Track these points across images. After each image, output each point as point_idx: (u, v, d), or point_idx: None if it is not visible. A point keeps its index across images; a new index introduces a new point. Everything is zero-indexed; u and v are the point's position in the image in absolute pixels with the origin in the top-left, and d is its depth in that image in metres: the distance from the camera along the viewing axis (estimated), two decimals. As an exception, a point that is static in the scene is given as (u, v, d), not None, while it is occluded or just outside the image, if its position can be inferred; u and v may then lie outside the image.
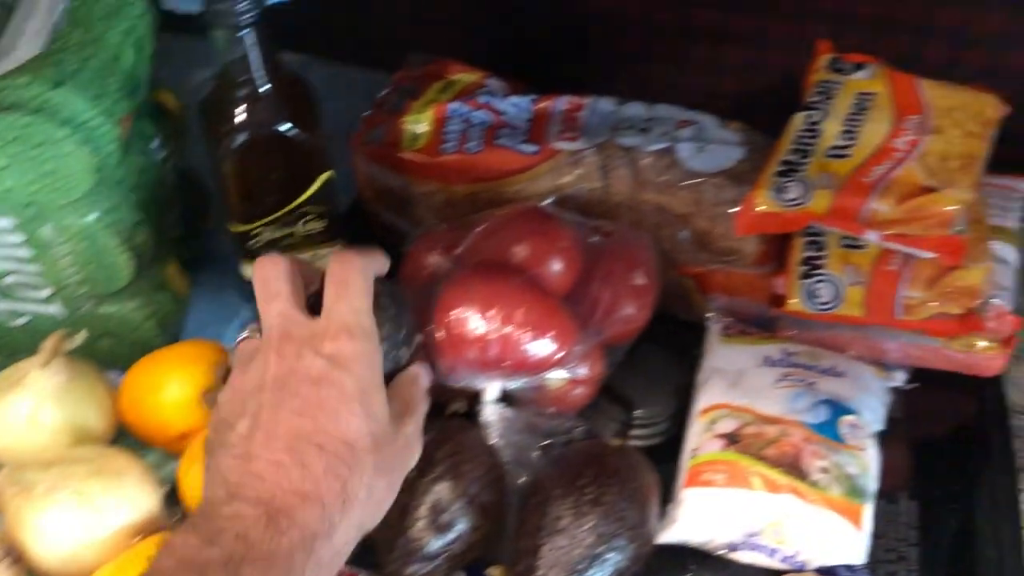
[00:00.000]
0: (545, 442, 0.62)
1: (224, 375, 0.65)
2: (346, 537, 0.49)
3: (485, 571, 0.61)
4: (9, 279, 0.65)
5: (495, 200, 0.73)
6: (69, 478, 0.58)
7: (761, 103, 0.90)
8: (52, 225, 0.63)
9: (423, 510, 0.58)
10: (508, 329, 0.60)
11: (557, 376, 0.63)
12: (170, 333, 0.73)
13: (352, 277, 0.54)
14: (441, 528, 0.58)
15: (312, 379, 0.50)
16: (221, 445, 0.50)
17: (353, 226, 0.80)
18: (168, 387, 0.65)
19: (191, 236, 0.75)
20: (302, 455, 0.48)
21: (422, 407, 0.55)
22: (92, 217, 0.64)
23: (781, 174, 0.65)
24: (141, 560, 0.57)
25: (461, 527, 0.58)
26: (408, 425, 0.53)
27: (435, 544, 0.58)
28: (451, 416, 0.63)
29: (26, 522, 0.58)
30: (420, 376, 0.57)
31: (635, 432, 0.69)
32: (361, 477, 0.49)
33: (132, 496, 0.59)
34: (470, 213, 0.73)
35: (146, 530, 0.59)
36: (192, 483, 0.61)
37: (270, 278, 0.54)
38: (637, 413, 0.69)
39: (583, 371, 0.64)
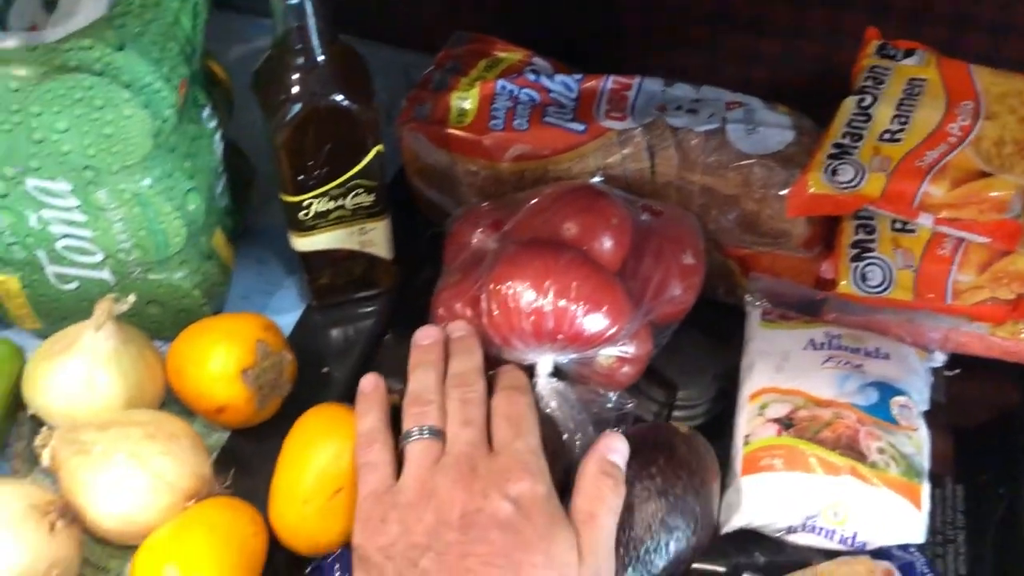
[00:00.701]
0: (599, 417, 0.62)
1: (264, 352, 0.65)
2: None
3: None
4: (62, 243, 0.65)
5: (541, 178, 0.73)
6: (125, 440, 0.58)
7: (795, 92, 0.91)
8: (107, 190, 0.63)
9: None
10: (563, 302, 0.60)
11: (607, 353, 0.63)
12: (215, 302, 0.73)
13: (524, 412, 0.55)
14: None
15: (499, 523, 0.50)
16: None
17: (395, 202, 0.80)
18: (211, 360, 0.64)
19: (236, 208, 0.75)
20: None
21: (603, 513, 0.53)
22: (146, 182, 0.63)
23: (834, 156, 0.65)
24: (194, 523, 0.57)
25: None
26: (587, 554, 0.51)
27: None
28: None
29: (83, 483, 0.58)
30: (601, 474, 0.54)
31: (676, 414, 0.69)
32: None
33: (186, 459, 0.59)
34: (515, 191, 0.73)
35: (199, 494, 0.59)
36: None
37: (470, 402, 0.55)
38: (679, 395, 0.69)
39: (632, 349, 0.63)
